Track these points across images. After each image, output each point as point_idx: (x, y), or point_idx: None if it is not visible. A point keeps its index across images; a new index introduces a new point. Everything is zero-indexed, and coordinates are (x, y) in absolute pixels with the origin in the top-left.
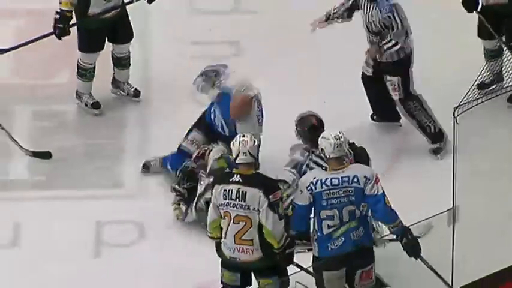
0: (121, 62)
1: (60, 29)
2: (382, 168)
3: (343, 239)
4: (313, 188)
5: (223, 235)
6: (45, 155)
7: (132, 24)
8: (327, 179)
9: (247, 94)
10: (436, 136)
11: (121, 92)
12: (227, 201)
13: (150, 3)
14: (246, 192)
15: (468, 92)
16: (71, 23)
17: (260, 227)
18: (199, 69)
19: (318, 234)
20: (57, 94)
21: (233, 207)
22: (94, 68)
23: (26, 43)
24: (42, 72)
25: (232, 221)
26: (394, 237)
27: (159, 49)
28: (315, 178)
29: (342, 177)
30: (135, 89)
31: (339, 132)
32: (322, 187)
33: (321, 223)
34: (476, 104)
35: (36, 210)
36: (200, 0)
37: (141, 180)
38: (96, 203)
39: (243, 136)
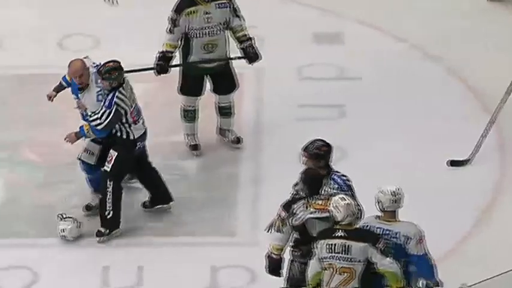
0: (222, 111)
1: (160, 66)
2: None
3: None
4: None
5: (325, 284)
6: None
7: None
8: (374, 226)
9: (79, 59)
10: None
11: (224, 139)
12: (331, 254)
13: (251, 64)
14: (351, 246)
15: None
16: (172, 63)
17: (368, 275)
18: (305, 131)
19: None
20: None
21: (337, 259)
22: (195, 110)
23: (132, 71)
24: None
25: (337, 272)
26: None
27: (271, 112)
28: (366, 224)
29: (385, 229)
30: (236, 136)
31: (397, 188)
32: None
33: None
34: None
35: (156, 254)
36: (308, 68)
37: (253, 230)
38: (212, 249)
39: (343, 199)
